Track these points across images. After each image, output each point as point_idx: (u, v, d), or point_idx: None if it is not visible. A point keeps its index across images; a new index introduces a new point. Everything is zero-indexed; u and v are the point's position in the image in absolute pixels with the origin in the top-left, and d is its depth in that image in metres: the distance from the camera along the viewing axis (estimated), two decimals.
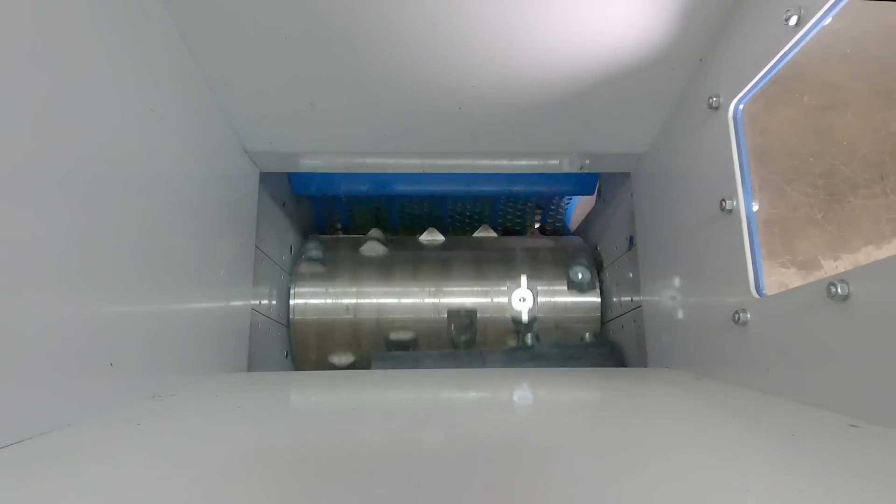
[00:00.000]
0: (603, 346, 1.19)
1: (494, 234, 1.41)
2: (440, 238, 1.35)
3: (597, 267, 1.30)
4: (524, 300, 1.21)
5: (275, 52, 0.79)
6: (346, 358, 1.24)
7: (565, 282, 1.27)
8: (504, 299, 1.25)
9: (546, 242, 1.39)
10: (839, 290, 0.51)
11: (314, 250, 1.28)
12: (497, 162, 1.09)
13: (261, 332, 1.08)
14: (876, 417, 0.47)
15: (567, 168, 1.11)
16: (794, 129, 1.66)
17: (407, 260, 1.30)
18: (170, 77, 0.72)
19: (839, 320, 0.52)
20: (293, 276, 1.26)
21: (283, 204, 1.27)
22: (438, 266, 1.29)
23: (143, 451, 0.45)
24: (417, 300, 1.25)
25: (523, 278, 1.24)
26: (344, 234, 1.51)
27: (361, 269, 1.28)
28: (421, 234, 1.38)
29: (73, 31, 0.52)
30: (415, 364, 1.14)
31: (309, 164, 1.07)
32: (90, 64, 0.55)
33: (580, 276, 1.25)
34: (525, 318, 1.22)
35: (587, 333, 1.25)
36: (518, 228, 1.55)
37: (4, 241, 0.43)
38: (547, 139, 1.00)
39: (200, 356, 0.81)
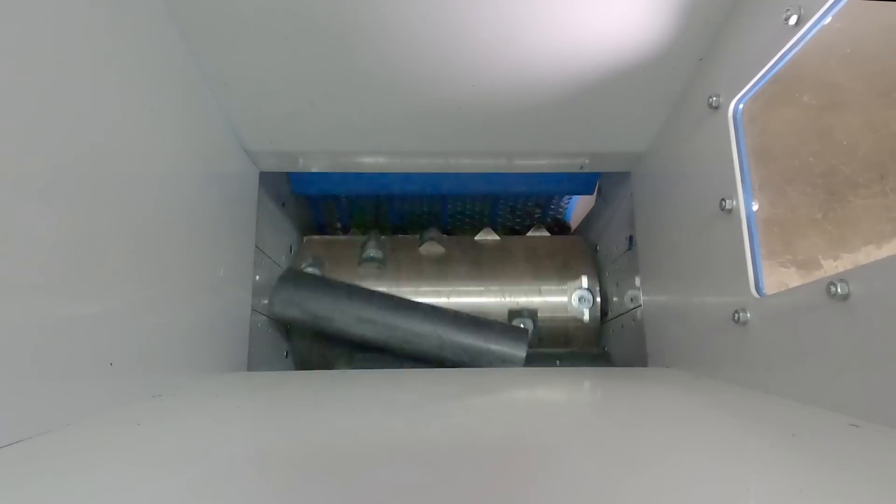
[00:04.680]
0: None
1: (496, 237, 1.40)
2: (440, 249, 1.34)
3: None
4: (584, 300, 1.25)
5: (275, 52, 0.79)
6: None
7: (565, 282, 1.27)
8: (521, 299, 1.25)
9: (546, 243, 1.39)
10: (839, 290, 0.51)
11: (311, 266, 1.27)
12: (497, 162, 1.09)
13: (261, 332, 1.08)
14: (876, 417, 0.47)
15: (567, 168, 1.11)
16: (793, 129, 1.66)
17: (405, 261, 1.30)
18: (169, 77, 0.72)
19: (839, 320, 0.52)
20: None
21: (283, 204, 1.27)
22: (439, 269, 1.28)
23: (143, 451, 0.45)
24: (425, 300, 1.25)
25: (584, 278, 1.26)
26: (344, 233, 1.51)
27: (362, 270, 1.28)
28: (422, 233, 1.38)
29: (72, 31, 0.52)
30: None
31: (309, 164, 1.07)
32: (89, 64, 0.55)
33: (580, 300, 1.26)
34: (586, 317, 1.24)
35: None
36: (518, 228, 1.55)
37: (4, 240, 0.43)
38: (547, 139, 1.00)
39: (200, 356, 0.81)
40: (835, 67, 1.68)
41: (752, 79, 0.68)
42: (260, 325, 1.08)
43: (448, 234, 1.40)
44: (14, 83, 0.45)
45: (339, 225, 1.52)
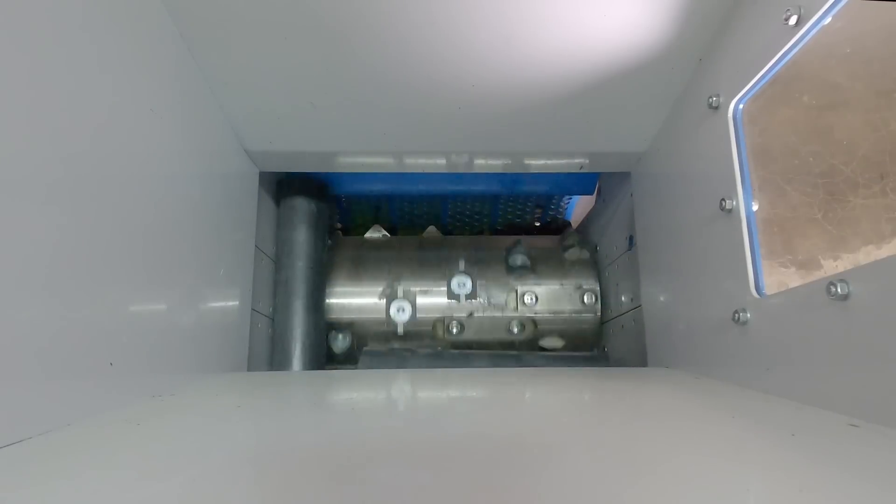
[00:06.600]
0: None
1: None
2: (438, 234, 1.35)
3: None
4: (403, 310, 1.23)
5: (275, 52, 0.79)
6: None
7: (566, 280, 1.27)
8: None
9: (545, 242, 1.39)
10: (839, 290, 0.51)
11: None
12: (497, 162, 1.09)
13: (261, 332, 1.08)
14: (876, 417, 0.47)
15: (567, 168, 1.11)
16: (793, 129, 1.66)
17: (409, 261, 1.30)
18: (169, 77, 0.72)
19: (839, 320, 0.52)
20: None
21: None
22: (441, 265, 1.29)
23: (143, 451, 0.45)
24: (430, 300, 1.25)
25: (461, 262, 1.25)
26: (343, 234, 1.51)
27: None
28: (421, 233, 1.38)
29: (72, 31, 0.52)
30: (401, 363, 1.14)
31: (309, 164, 1.07)
32: (89, 64, 0.55)
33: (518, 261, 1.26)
34: (400, 330, 1.23)
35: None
36: (519, 227, 1.56)
37: (4, 241, 0.43)
38: (547, 139, 1.00)
39: (200, 356, 0.81)
40: (835, 67, 1.68)
41: (752, 79, 0.68)
42: (260, 325, 1.08)
43: (449, 234, 1.40)
44: (14, 83, 0.45)
45: (339, 225, 1.52)
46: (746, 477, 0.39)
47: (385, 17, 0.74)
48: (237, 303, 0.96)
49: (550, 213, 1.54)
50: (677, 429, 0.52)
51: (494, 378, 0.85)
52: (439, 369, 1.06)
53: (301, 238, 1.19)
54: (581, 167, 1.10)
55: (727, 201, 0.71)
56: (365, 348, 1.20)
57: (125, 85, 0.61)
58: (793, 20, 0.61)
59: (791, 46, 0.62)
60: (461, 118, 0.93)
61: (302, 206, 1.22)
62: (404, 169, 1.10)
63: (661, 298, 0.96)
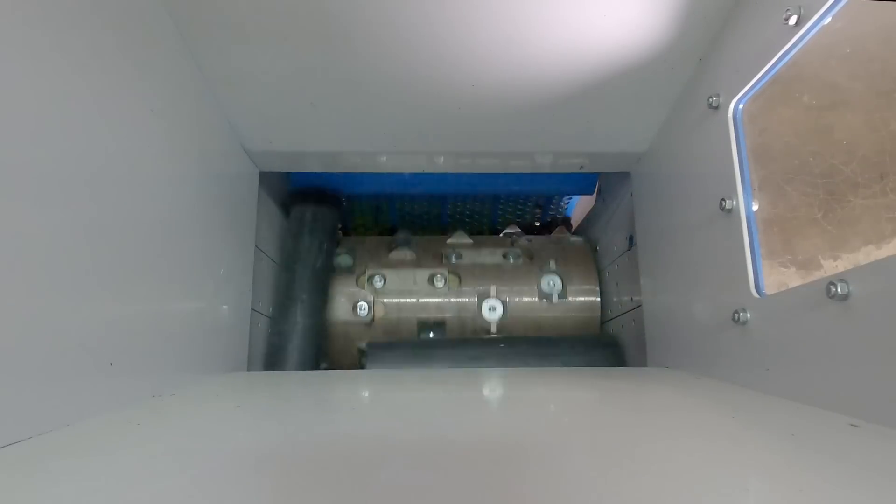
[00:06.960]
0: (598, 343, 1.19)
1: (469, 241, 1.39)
2: (468, 241, 1.35)
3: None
4: (494, 309, 1.24)
5: (275, 52, 0.79)
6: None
7: (566, 281, 1.27)
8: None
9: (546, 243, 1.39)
10: (839, 290, 0.51)
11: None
12: (497, 162, 1.09)
13: (260, 332, 1.08)
14: (876, 417, 0.47)
15: (567, 168, 1.11)
16: (793, 129, 1.66)
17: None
18: (170, 77, 0.72)
19: (839, 320, 0.52)
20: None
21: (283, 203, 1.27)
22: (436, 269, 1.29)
23: (143, 451, 0.45)
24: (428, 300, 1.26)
25: (493, 288, 1.25)
26: (343, 233, 1.51)
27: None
28: (421, 234, 1.38)
29: (72, 32, 0.52)
30: (405, 350, 1.13)
31: (309, 164, 1.07)
32: (89, 64, 0.55)
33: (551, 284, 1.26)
34: (494, 328, 1.24)
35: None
36: (518, 227, 1.56)
37: (4, 241, 0.43)
38: (547, 139, 1.00)
39: (200, 356, 0.81)
40: (835, 67, 1.67)
41: (752, 79, 0.68)
42: (260, 325, 1.08)
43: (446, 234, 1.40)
44: (15, 85, 0.45)
45: (339, 225, 1.52)
46: (746, 477, 0.39)
47: (385, 16, 0.74)
48: (237, 303, 0.96)
49: (550, 213, 1.54)
50: (677, 429, 0.52)
51: (495, 378, 0.85)
52: (439, 370, 1.06)
53: (302, 238, 1.19)
54: (581, 167, 1.10)
55: (727, 201, 0.71)
56: (368, 342, 1.19)
57: (125, 86, 0.61)
58: (793, 20, 0.61)
59: (791, 46, 0.62)
60: (461, 118, 0.93)
61: (303, 207, 1.22)
62: (404, 169, 1.10)
63: (661, 298, 0.96)
